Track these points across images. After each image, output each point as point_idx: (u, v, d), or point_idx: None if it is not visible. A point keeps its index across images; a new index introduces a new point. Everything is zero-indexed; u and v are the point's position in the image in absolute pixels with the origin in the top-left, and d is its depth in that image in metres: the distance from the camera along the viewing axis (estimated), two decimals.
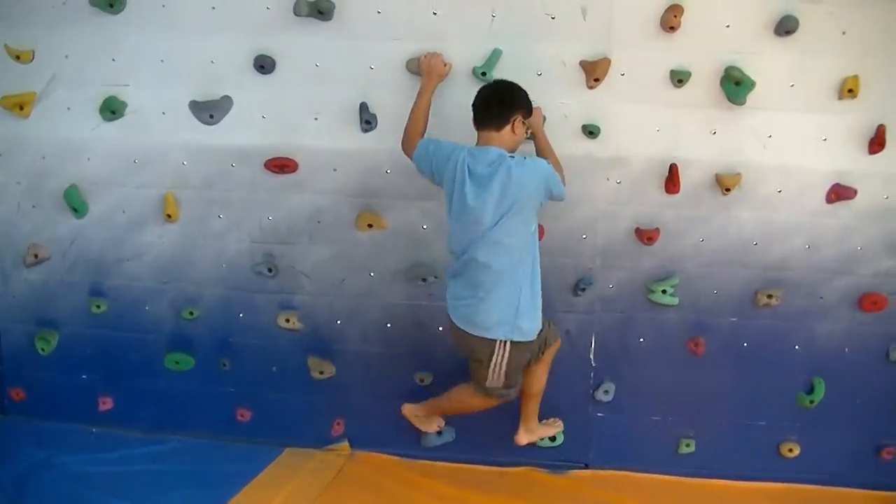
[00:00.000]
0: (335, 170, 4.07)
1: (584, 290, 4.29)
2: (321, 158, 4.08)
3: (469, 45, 3.85)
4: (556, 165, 3.61)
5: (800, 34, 4.00)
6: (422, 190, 4.14)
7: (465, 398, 3.88)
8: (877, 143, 4.12)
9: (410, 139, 3.68)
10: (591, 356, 4.36)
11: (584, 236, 4.11)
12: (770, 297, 4.28)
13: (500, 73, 4.02)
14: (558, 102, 3.96)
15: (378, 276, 4.23)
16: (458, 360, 4.24)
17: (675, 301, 4.29)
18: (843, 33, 4.02)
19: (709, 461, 4.51)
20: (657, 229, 4.23)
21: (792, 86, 4.08)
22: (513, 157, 3.42)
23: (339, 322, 4.44)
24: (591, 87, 4.09)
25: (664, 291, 4.26)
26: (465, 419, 4.35)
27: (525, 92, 3.52)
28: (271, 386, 4.56)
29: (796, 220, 4.24)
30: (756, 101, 4.07)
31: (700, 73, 4.06)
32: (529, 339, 3.57)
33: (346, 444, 4.57)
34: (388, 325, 4.42)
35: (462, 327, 3.57)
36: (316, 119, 4.03)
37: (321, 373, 4.43)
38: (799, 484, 4.53)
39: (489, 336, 3.51)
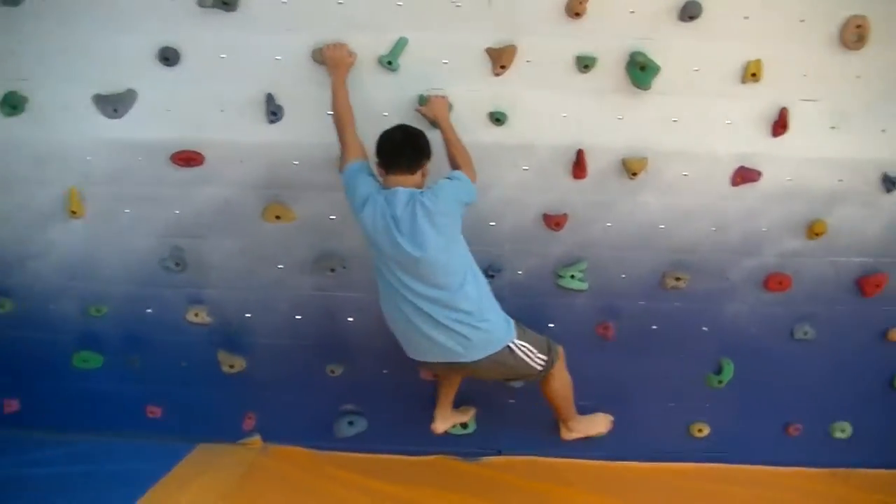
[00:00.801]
0: (242, 162, 4.04)
1: (493, 276, 4.31)
2: (228, 151, 4.03)
3: (374, 34, 3.86)
4: (463, 155, 3.72)
5: (703, 19, 4.06)
6: (329, 181, 4.16)
7: (558, 387, 4.04)
8: (780, 125, 4.23)
9: (345, 147, 3.75)
10: None
11: (493, 223, 4.15)
12: (678, 279, 4.37)
13: (405, 61, 4.07)
14: (465, 90, 3.96)
15: (287, 268, 4.23)
16: (370, 349, 4.37)
17: (584, 286, 4.37)
18: (746, 18, 4.09)
19: (620, 444, 4.59)
20: (565, 215, 4.28)
21: (696, 70, 4.15)
22: (420, 192, 3.49)
23: (248, 315, 4.45)
24: (497, 75, 4.12)
25: (573, 276, 4.33)
26: (377, 409, 4.47)
27: (427, 139, 3.64)
28: (181, 382, 4.55)
29: (702, 202, 4.32)
30: (661, 86, 4.13)
31: (606, 59, 4.11)
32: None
33: (258, 437, 4.59)
34: (298, 317, 4.43)
35: (463, 360, 3.66)
36: (222, 111, 3.98)
37: (231, 367, 4.44)
38: (709, 463, 4.66)
39: (496, 350, 3.65)
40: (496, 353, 3.60)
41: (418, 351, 3.66)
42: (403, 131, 3.56)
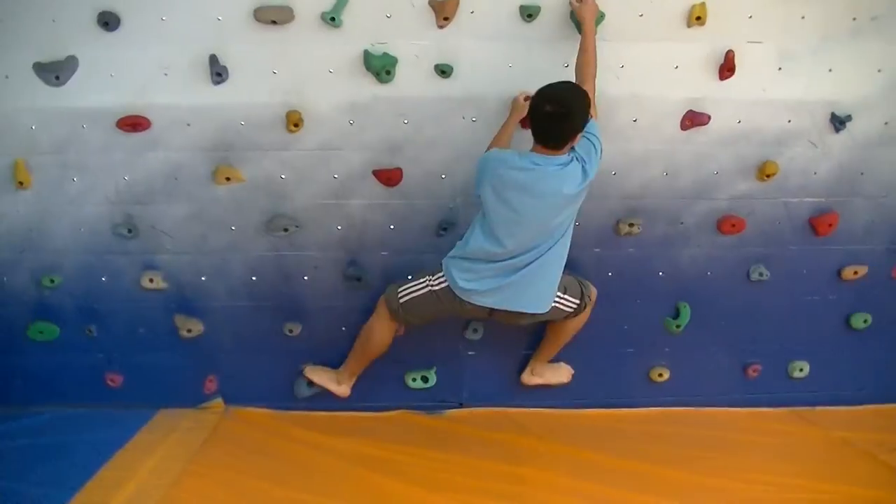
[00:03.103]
0: (189, 125, 4.07)
1: (445, 230, 4.40)
2: (174, 114, 4.06)
3: None
4: (591, 70, 3.89)
5: None
6: (278, 141, 4.28)
7: (566, 329, 4.31)
8: (727, 68, 4.36)
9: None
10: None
11: (444, 176, 4.24)
12: (631, 225, 4.51)
13: (349, 17, 4.15)
14: (409, 43, 4.04)
15: (239, 230, 4.27)
16: (326, 308, 4.50)
17: None
18: None
19: (582, 391, 4.76)
20: None
21: (641, 16, 4.27)
22: (577, 155, 3.69)
23: (203, 279, 4.53)
24: (441, 27, 4.20)
25: None
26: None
27: (583, 103, 3.63)
28: (140, 348, 4.63)
29: (653, 148, 4.45)
30: (606, 33, 4.23)
31: (549, 8, 4.20)
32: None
33: (219, 400, 4.69)
34: (254, 279, 4.53)
35: (516, 310, 3.88)
36: (166, 75, 4.01)
37: (189, 331, 4.53)
38: (670, 407, 4.83)
39: (542, 310, 3.94)
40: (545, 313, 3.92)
41: (488, 297, 3.85)
42: (554, 106, 3.56)
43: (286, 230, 4.39)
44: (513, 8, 4.19)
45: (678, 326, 4.60)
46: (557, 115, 3.51)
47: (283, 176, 4.36)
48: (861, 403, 4.97)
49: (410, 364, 4.49)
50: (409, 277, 4.01)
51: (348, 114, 4.13)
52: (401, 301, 3.96)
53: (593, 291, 4.15)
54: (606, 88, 4.26)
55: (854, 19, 4.41)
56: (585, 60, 3.78)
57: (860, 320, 4.85)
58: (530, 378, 4.47)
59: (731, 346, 4.82)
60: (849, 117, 4.50)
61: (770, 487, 3.98)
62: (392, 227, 4.27)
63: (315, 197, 4.23)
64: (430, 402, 4.50)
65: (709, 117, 4.37)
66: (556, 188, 3.56)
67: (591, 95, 3.64)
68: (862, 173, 4.64)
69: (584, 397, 4.61)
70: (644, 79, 4.29)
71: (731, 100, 4.34)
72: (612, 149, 4.31)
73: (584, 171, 3.59)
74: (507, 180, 3.60)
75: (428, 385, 4.54)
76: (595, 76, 3.78)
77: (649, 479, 3.99)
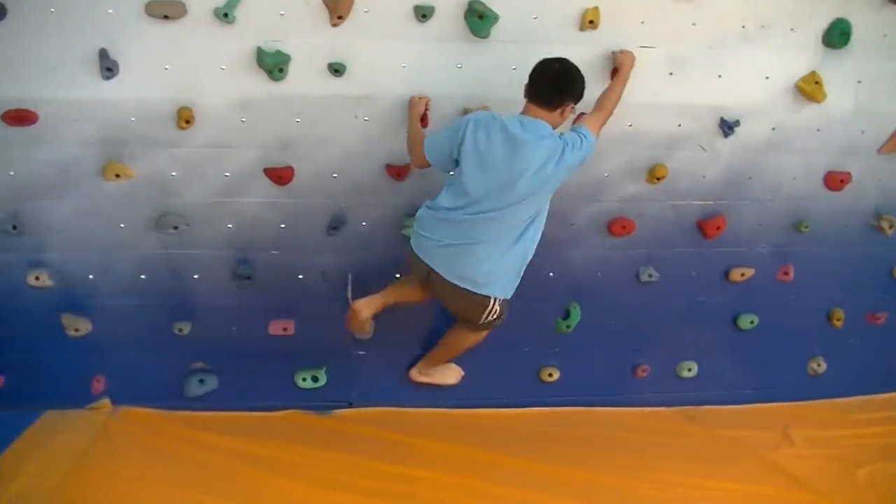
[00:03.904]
0: (77, 120, 3.98)
1: (336, 228, 4.48)
2: (62, 109, 3.96)
3: None
4: (611, 105, 4.01)
5: None
6: (169, 137, 4.26)
7: (462, 340, 4.25)
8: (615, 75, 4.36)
9: (415, 149, 4.01)
10: (349, 295, 4.47)
11: (335, 175, 4.26)
12: None
13: (242, 13, 4.14)
14: (303, 41, 4.05)
15: (129, 228, 4.20)
16: (216, 306, 4.48)
17: None
18: None
19: (474, 391, 4.82)
20: (407, 165, 4.42)
21: (535, 18, 4.35)
22: (564, 138, 3.68)
23: (91, 277, 4.48)
24: (334, 25, 4.22)
25: None
26: (227, 366, 4.60)
27: (583, 79, 3.75)
28: (25, 348, 4.55)
29: None
30: (500, 35, 4.32)
31: (444, 8, 4.26)
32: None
33: (107, 400, 4.63)
34: (143, 277, 4.50)
35: (449, 279, 3.83)
36: (54, 68, 3.90)
37: (76, 330, 4.49)
38: (561, 407, 4.91)
39: (485, 293, 3.87)
40: (476, 294, 3.86)
41: (430, 255, 3.87)
42: (561, 65, 3.68)
43: (176, 228, 4.39)
44: (407, 8, 4.23)
45: (568, 327, 4.71)
46: (559, 73, 3.69)
47: (173, 173, 4.34)
48: (747, 402, 5.14)
49: (300, 363, 4.49)
50: None
51: (240, 111, 4.10)
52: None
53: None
54: (499, 90, 4.34)
55: (743, 27, 4.56)
56: (610, 97, 3.96)
57: (747, 321, 5.01)
58: (417, 376, 4.51)
59: (620, 347, 4.93)
60: (737, 122, 4.63)
61: (658, 485, 4.08)
62: (283, 225, 4.28)
63: (206, 194, 4.19)
64: (321, 401, 4.50)
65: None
66: (532, 148, 3.65)
67: (601, 122, 3.89)
68: (750, 177, 4.79)
69: (476, 397, 4.64)
70: None
71: (622, 103, 4.32)
72: None
73: (563, 154, 3.64)
74: (491, 127, 3.70)
75: (318, 385, 4.55)
76: (612, 111, 3.98)
77: (540, 478, 4.06)
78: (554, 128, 3.69)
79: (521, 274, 3.89)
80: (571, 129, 3.74)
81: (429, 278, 3.87)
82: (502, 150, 3.63)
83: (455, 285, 3.80)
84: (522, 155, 3.61)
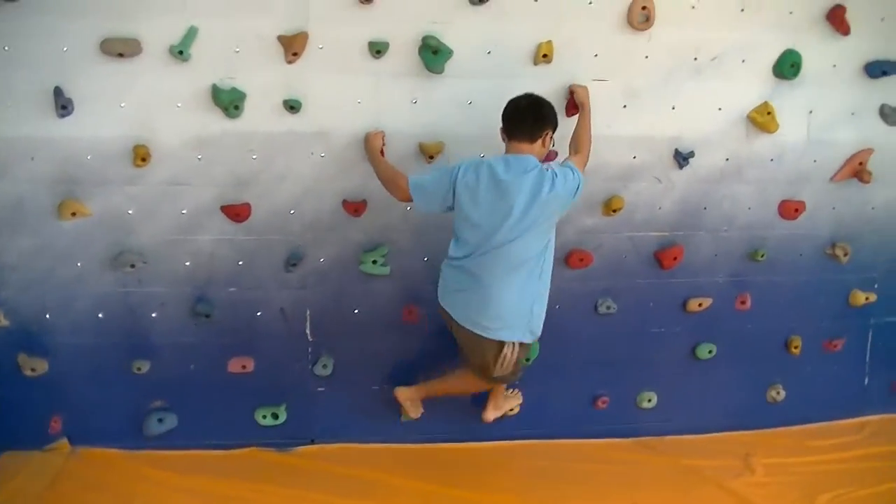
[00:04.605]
0: (33, 159, 4.01)
1: (294, 265, 4.50)
2: (17, 147, 4.00)
3: (164, 23, 3.96)
4: (587, 142, 4.15)
5: (494, 2, 4.36)
6: (125, 175, 4.28)
7: (465, 384, 4.29)
8: (573, 105, 4.51)
9: (393, 183, 4.06)
10: (308, 331, 4.48)
11: (292, 211, 4.29)
12: None
13: (197, 51, 4.20)
14: (258, 78, 4.13)
15: (85, 266, 4.19)
16: (175, 344, 4.49)
17: (387, 270, 4.59)
18: (535, 0, 4.38)
19: (432, 426, 4.82)
20: (364, 201, 4.44)
21: (489, 53, 4.43)
22: (552, 170, 3.76)
23: (47, 316, 4.47)
24: (290, 62, 4.28)
25: (374, 262, 4.55)
26: (186, 404, 4.60)
27: (553, 108, 3.91)
28: None
29: None
30: (454, 70, 4.40)
31: (398, 44, 4.34)
32: (536, 337, 4.03)
33: (65, 441, 4.59)
34: (100, 315, 4.49)
35: (463, 324, 3.94)
36: (8, 105, 3.93)
37: (33, 370, 4.47)
38: (521, 440, 4.94)
39: (496, 338, 3.89)
40: (488, 340, 3.97)
41: (450, 302, 4.11)
42: (529, 99, 3.82)
43: (133, 266, 4.39)
44: (361, 44, 4.30)
45: (527, 360, 4.70)
46: (530, 105, 3.85)
47: (130, 211, 4.35)
48: (708, 432, 5.18)
49: (260, 400, 4.47)
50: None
51: (196, 149, 4.14)
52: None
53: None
54: (453, 125, 4.45)
55: (695, 59, 4.66)
56: (582, 134, 4.11)
57: (705, 351, 5.06)
58: (493, 413, 4.64)
59: (579, 378, 4.96)
60: (691, 153, 4.71)
61: None
62: (241, 262, 4.30)
63: (163, 232, 4.20)
64: (281, 438, 4.48)
65: (556, 153, 4.48)
66: (518, 184, 3.75)
67: (583, 163, 4.03)
68: (705, 207, 4.87)
69: (437, 432, 4.64)
70: (491, 115, 4.33)
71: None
72: None
73: (554, 183, 3.73)
74: (479, 171, 3.84)
75: (278, 422, 4.54)
76: (589, 147, 4.11)
77: None
78: (539, 159, 3.80)
79: (539, 316, 3.99)
80: (561, 164, 3.85)
81: (451, 325, 4.01)
82: (491, 191, 3.74)
83: (468, 330, 3.91)
84: (510, 192, 3.71)
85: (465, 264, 3.81)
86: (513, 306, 3.83)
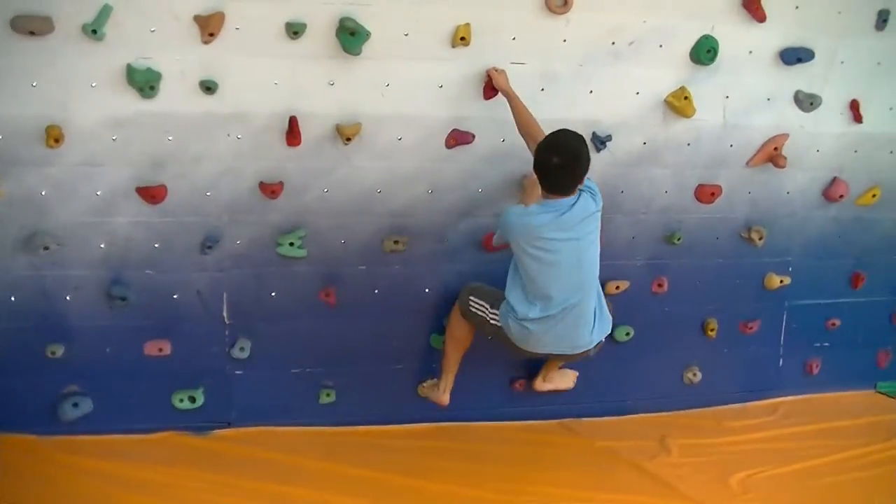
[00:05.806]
0: None
1: (210, 247, 4.50)
2: None
3: (77, 0, 3.83)
4: (538, 127, 4.21)
5: None
6: (38, 156, 4.22)
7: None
8: (490, 88, 4.59)
9: (534, 128, 4.25)
10: (225, 314, 4.53)
11: (209, 193, 4.25)
12: (396, 242, 4.69)
13: (112, 30, 4.14)
14: (174, 59, 4.18)
15: None
16: (90, 328, 4.50)
17: (304, 253, 4.62)
18: None
19: (351, 408, 4.90)
20: (281, 183, 4.49)
21: (406, 35, 4.46)
22: (588, 191, 4.03)
23: None
24: (206, 42, 4.26)
25: (292, 244, 4.58)
26: (102, 389, 4.58)
27: (588, 152, 4.07)
28: None
29: (418, 166, 4.66)
30: (372, 52, 4.41)
31: (315, 25, 4.33)
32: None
33: None
34: (13, 299, 4.45)
35: (554, 351, 4.26)
36: None
37: None
38: (444, 423, 5.00)
39: (588, 348, 4.24)
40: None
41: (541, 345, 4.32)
42: (573, 155, 3.93)
43: (47, 248, 4.35)
44: (279, 25, 4.30)
45: (444, 342, 4.75)
46: (567, 165, 3.88)
47: (43, 192, 4.30)
48: (625, 413, 5.32)
49: (177, 384, 4.44)
50: (478, 286, 4.52)
51: (111, 129, 4.05)
52: (470, 308, 4.37)
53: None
54: (371, 106, 4.48)
55: (613, 43, 4.74)
56: (525, 119, 4.18)
57: (623, 333, 5.18)
58: (542, 385, 4.88)
59: (497, 361, 4.99)
60: (609, 137, 4.81)
61: (536, 497, 4.23)
62: (157, 244, 4.27)
63: (77, 214, 4.12)
64: (199, 422, 4.49)
65: (473, 136, 4.59)
66: (578, 214, 3.94)
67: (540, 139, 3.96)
68: (622, 191, 4.97)
69: (354, 414, 4.70)
70: (409, 97, 4.48)
71: (494, 119, 4.55)
72: (377, 167, 4.56)
73: (593, 197, 4.01)
74: (536, 226, 3.97)
75: (196, 405, 4.49)
76: (539, 126, 4.16)
77: (422, 495, 4.19)
78: None
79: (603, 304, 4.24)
80: (580, 189, 3.97)
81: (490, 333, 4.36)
82: (558, 238, 4.01)
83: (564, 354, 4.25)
84: (574, 228, 4.03)
85: (546, 313, 4.11)
86: (595, 313, 4.11)
